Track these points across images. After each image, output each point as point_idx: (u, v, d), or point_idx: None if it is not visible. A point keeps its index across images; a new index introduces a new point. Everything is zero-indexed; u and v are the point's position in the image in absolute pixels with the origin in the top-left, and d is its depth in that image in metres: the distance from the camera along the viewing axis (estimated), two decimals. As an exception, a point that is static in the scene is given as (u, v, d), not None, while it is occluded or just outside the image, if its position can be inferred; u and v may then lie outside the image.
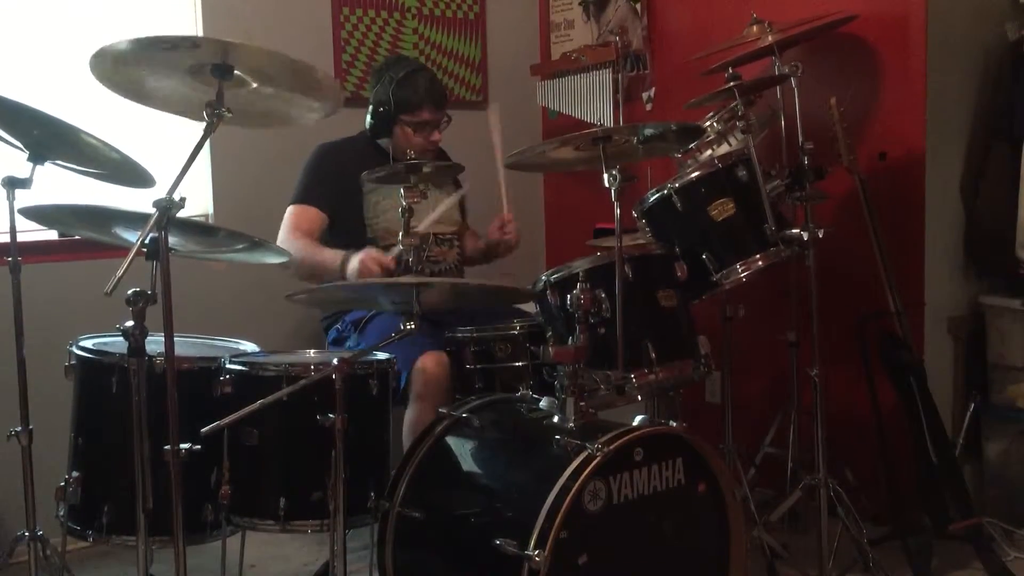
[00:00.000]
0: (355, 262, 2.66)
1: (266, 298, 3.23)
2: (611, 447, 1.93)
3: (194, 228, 2.14)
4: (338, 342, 2.91)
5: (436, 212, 2.75)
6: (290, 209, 2.92)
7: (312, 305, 3.01)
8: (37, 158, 2.19)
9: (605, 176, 2.26)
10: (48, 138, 2.16)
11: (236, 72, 1.92)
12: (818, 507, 2.62)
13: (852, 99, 2.89)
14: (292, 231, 2.87)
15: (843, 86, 2.99)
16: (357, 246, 2.89)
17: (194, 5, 3.37)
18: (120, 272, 1.68)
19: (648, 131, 2.33)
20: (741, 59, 2.93)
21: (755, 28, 2.89)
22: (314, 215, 2.89)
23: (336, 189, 2.89)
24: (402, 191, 2.28)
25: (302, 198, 2.92)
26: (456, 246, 3.05)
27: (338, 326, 2.92)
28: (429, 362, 2.52)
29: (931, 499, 2.75)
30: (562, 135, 2.31)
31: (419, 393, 2.52)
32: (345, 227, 2.90)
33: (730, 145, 2.74)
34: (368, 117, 2.94)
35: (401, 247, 2.48)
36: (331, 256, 2.76)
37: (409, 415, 2.54)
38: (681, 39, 3.62)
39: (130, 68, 1.94)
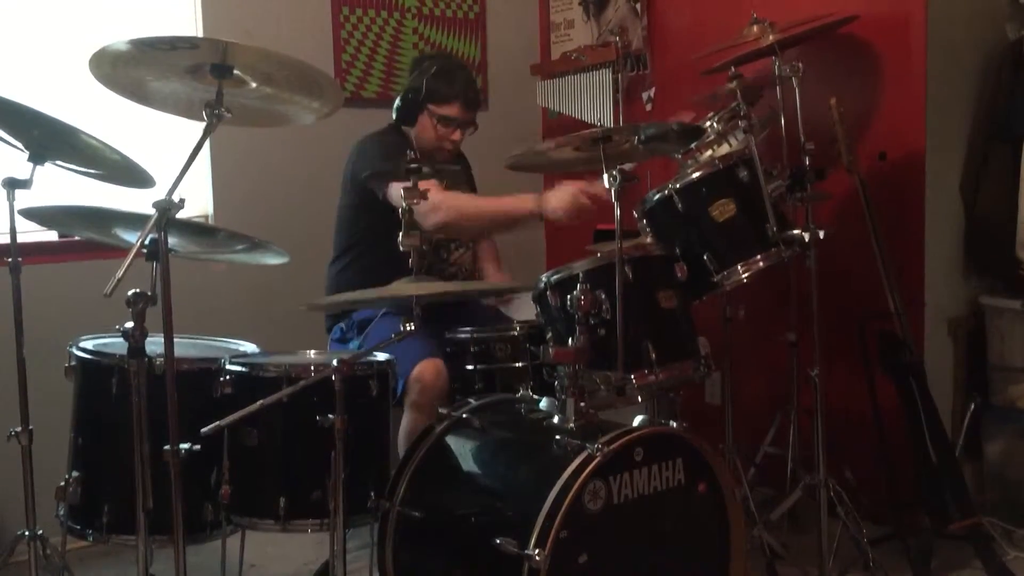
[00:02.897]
0: (555, 200, 2.53)
1: (266, 298, 3.23)
2: (611, 447, 1.93)
3: (194, 229, 2.14)
4: (342, 341, 2.90)
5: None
6: (396, 186, 2.56)
7: (326, 311, 3.00)
8: (37, 158, 2.19)
9: (605, 176, 2.26)
10: (48, 138, 2.16)
11: (235, 72, 1.93)
12: (818, 507, 2.62)
13: (852, 99, 2.89)
14: (438, 193, 2.61)
15: (843, 86, 2.99)
16: (387, 231, 2.85)
17: (194, 5, 3.37)
18: (120, 273, 1.68)
19: (649, 131, 2.33)
20: (741, 59, 2.93)
21: (755, 28, 2.88)
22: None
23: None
24: (402, 192, 2.28)
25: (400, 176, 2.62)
26: (470, 248, 3.04)
27: (342, 324, 2.91)
28: (427, 371, 2.52)
29: (931, 499, 2.75)
30: (562, 135, 2.30)
31: (415, 402, 2.51)
32: (379, 210, 2.82)
33: (731, 145, 2.74)
34: (397, 102, 2.92)
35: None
36: (514, 201, 2.64)
37: (404, 423, 2.54)
38: (681, 39, 3.62)
39: (130, 68, 1.95)
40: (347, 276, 2.93)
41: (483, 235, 2.82)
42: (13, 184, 2.17)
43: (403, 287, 2.18)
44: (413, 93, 2.87)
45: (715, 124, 2.78)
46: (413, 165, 2.24)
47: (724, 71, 2.60)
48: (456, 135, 2.88)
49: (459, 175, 2.97)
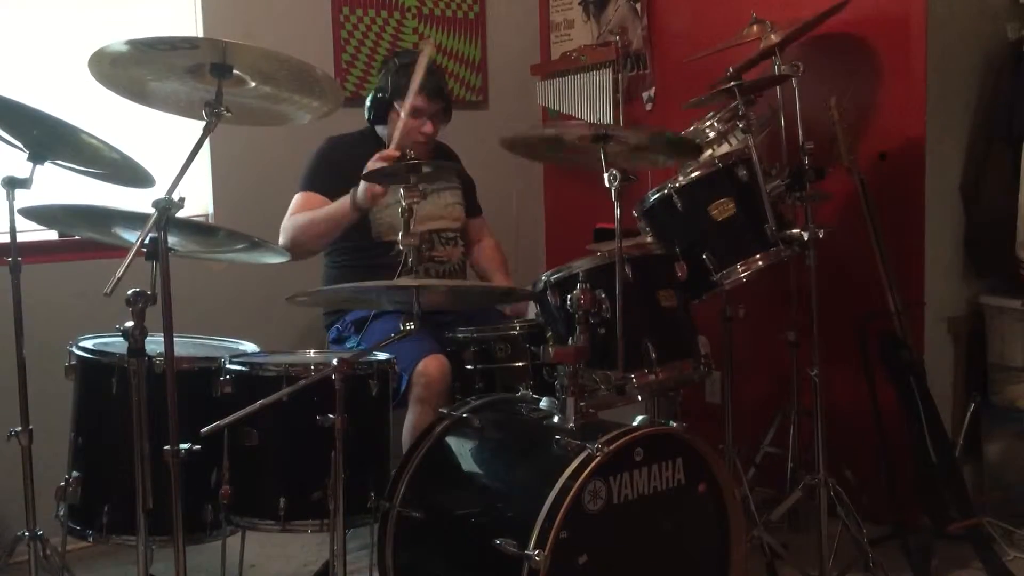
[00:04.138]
0: (362, 184, 2.64)
1: (266, 298, 3.23)
2: (611, 447, 1.93)
3: (194, 228, 2.14)
4: (339, 341, 2.91)
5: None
6: (296, 196, 2.90)
7: (313, 305, 3.01)
8: (37, 158, 2.19)
9: (605, 176, 2.26)
10: (48, 138, 2.16)
11: (235, 71, 1.93)
12: (818, 507, 2.62)
13: (852, 99, 2.89)
14: (295, 214, 2.86)
15: (843, 86, 2.99)
16: (361, 241, 2.88)
17: (194, 5, 3.37)
18: (120, 272, 1.68)
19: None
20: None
21: (755, 28, 2.89)
22: (320, 202, 2.86)
23: (342, 182, 2.88)
24: (401, 191, 2.28)
25: (309, 186, 2.90)
26: (460, 245, 3.04)
27: (338, 325, 2.92)
28: (431, 366, 2.51)
29: (931, 499, 2.75)
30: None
31: (420, 397, 2.51)
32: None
33: (730, 145, 2.74)
34: (367, 102, 2.97)
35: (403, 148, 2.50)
36: (336, 203, 2.75)
37: (409, 418, 2.53)
38: (681, 39, 3.62)
39: (129, 68, 1.95)
40: (335, 273, 2.96)
41: (326, 241, 2.87)
42: (13, 184, 2.16)
43: (402, 281, 2.19)
44: (380, 92, 2.93)
45: (715, 124, 2.78)
46: (413, 162, 2.27)
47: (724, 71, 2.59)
48: (428, 127, 2.89)
49: (450, 170, 2.97)
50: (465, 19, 3.99)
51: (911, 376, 2.79)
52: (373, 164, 2.62)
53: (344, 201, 2.72)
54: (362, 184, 2.64)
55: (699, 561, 2.16)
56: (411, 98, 2.77)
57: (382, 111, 2.93)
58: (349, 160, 2.88)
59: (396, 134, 2.75)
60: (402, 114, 2.80)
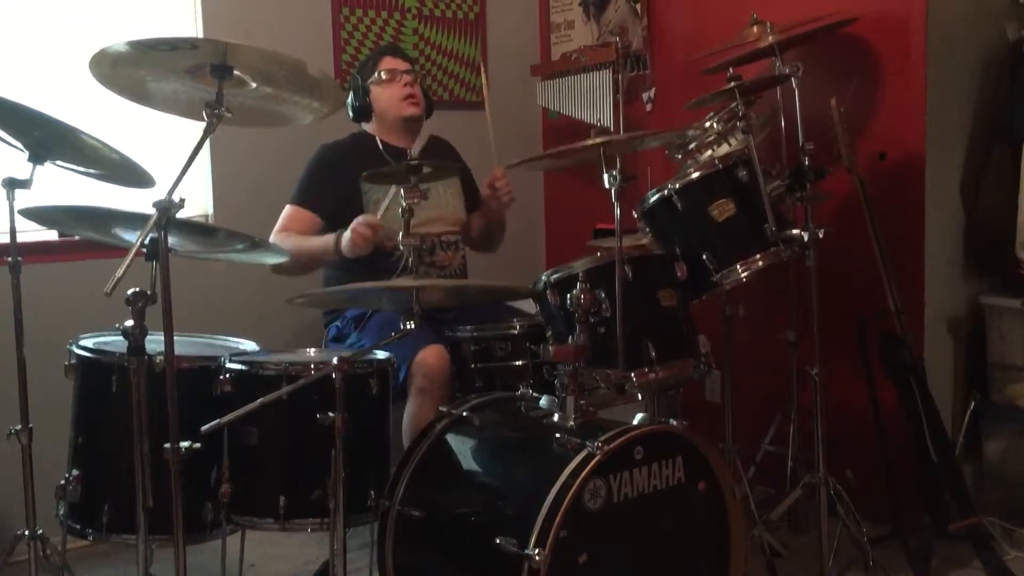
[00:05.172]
0: (347, 234, 2.67)
1: (266, 297, 3.23)
2: (611, 445, 1.93)
3: (194, 228, 2.14)
4: (338, 339, 2.91)
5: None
6: (286, 209, 2.93)
7: (313, 307, 3.02)
8: (37, 158, 2.19)
9: (605, 176, 2.26)
10: (48, 138, 2.16)
11: (235, 72, 1.93)
12: (818, 506, 2.62)
13: (852, 99, 2.89)
14: (281, 231, 2.89)
15: (843, 86, 2.99)
16: None
17: (194, 5, 3.37)
18: (120, 272, 1.68)
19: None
20: (741, 59, 2.93)
21: (755, 28, 2.89)
22: (308, 219, 2.89)
23: (336, 190, 2.89)
24: (402, 191, 2.28)
25: (299, 200, 2.93)
26: (461, 249, 3.05)
27: (338, 323, 2.92)
28: (430, 356, 2.52)
29: (931, 498, 2.75)
30: (562, 134, 2.30)
31: (420, 387, 2.51)
32: (348, 217, 2.88)
33: (730, 145, 2.74)
34: (348, 102, 3.02)
35: (387, 206, 2.55)
36: (322, 241, 2.78)
37: (409, 409, 2.53)
38: (681, 39, 3.62)
39: (130, 69, 1.95)
40: (334, 276, 2.96)
41: (308, 271, 2.92)
42: (13, 184, 2.17)
43: (401, 282, 2.19)
44: (354, 85, 3.04)
45: (715, 124, 2.78)
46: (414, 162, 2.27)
47: (724, 71, 2.59)
48: (409, 87, 2.97)
49: (452, 170, 2.97)
50: (465, 19, 4.00)
51: (911, 376, 2.79)
52: (360, 229, 2.65)
53: (328, 242, 2.75)
54: (347, 235, 2.67)
55: (699, 560, 2.16)
56: (381, 67, 2.96)
57: (362, 101, 3.01)
58: (342, 164, 2.90)
59: (384, 105, 2.94)
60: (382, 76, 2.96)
